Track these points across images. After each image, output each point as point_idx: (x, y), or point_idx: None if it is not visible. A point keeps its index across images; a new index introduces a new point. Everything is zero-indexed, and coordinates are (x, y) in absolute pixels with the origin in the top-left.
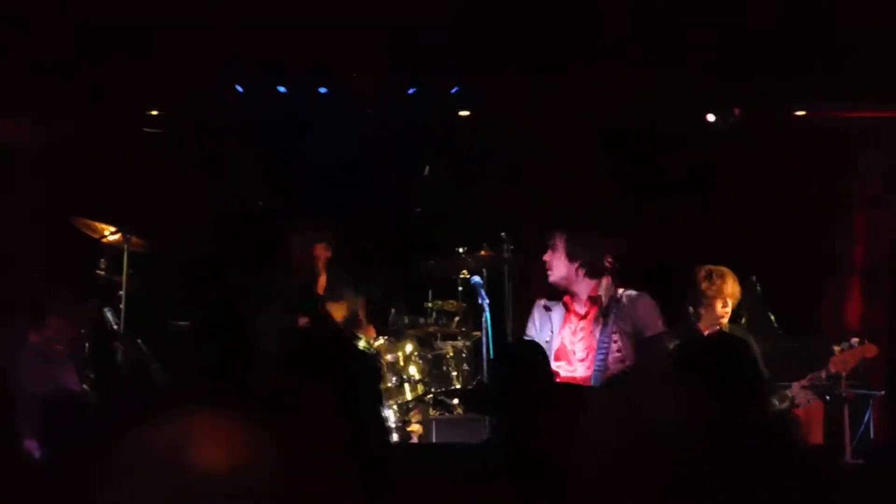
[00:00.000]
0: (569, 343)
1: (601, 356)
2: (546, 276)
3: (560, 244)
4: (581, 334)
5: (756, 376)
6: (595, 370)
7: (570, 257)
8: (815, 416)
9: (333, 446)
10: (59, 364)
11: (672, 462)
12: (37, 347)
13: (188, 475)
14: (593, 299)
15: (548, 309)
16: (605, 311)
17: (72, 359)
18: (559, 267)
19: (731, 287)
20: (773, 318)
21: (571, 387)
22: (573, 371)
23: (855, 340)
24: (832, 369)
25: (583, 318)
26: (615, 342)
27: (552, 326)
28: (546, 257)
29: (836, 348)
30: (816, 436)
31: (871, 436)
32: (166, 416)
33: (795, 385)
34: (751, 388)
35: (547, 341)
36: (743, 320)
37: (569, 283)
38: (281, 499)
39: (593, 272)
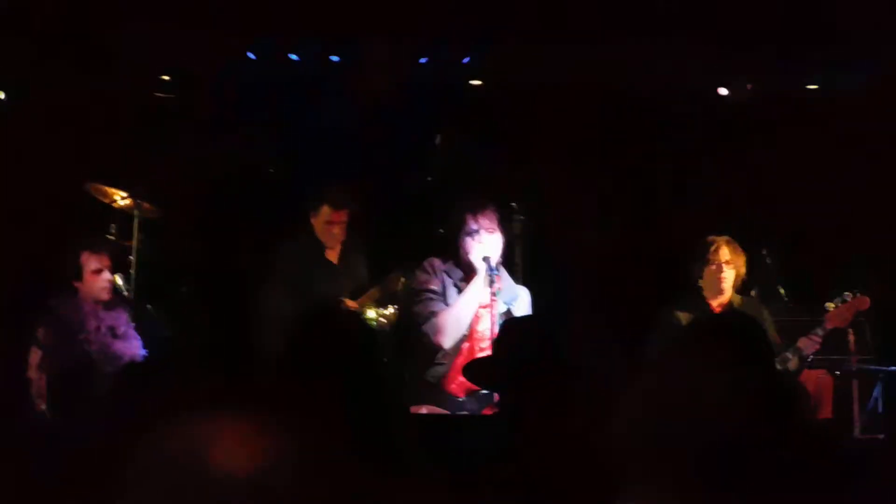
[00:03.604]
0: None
1: None
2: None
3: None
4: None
5: (764, 355)
6: None
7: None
8: (824, 391)
9: (339, 425)
10: (114, 308)
11: (683, 441)
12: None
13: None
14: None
15: (449, 275)
16: (505, 299)
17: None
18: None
19: (726, 253)
20: (782, 290)
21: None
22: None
23: (848, 294)
24: (828, 326)
25: (487, 306)
26: None
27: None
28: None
29: (830, 305)
30: (825, 411)
31: (880, 410)
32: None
33: (802, 340)
34: (758, 368)
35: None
36: (753, 293)
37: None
38: (292, 479)
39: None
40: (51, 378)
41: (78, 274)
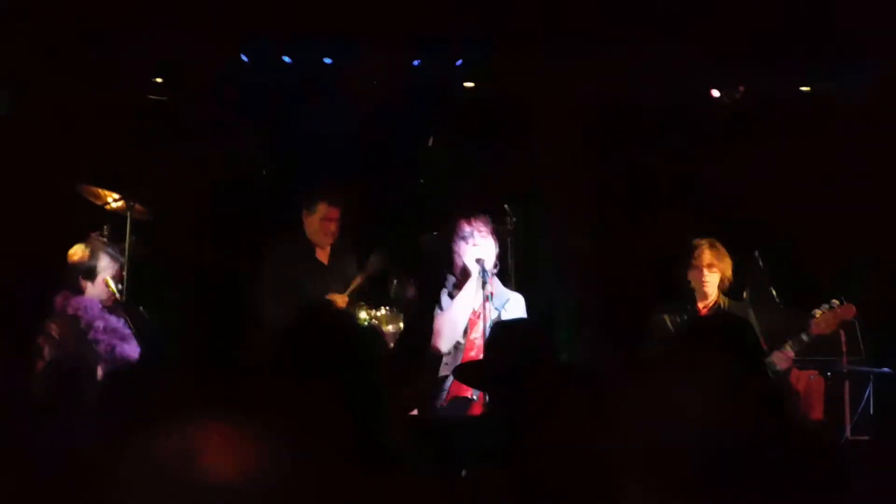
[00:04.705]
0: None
1: None
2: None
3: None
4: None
5: (750, 355)
6: None
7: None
8: (816, 393)
9: (332, 425)
10: (116, 310)
11: (672, 444)
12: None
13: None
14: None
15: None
16: (497, 304)
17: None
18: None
19: (708, 257)
20: (774, 292)
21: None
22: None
23: (835, 302)
24: (813, 332)
25: (479, 315)
26: None
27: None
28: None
29: (818, 312)
30: (817, 412)
31: (871, 412)
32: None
33: (775, 353)
34: (744, 368)
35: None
36: (745, 294)
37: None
38: (279, 480)
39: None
40: (59, 373)
41: (91, 275)
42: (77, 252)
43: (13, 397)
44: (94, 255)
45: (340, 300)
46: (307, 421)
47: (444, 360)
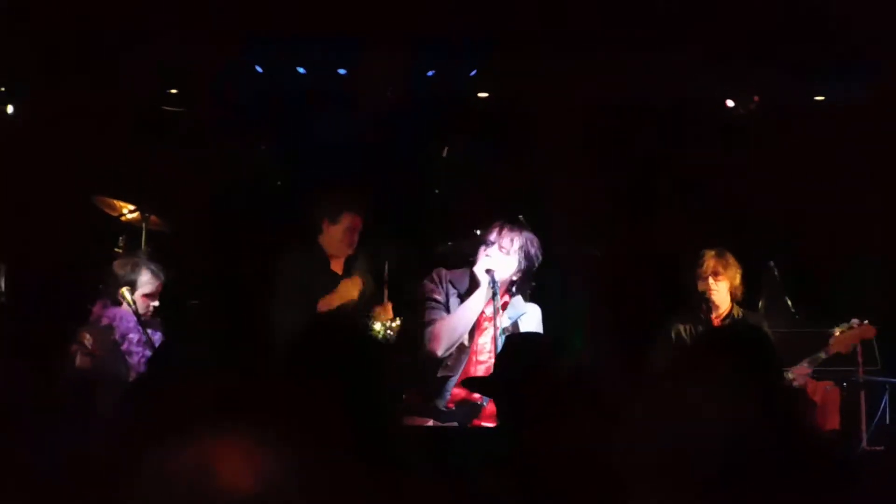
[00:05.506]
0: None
1: None
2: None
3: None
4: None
5: (766, 366)
6: None
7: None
8: (832, 403)
9: (335, 440)
10: (151, 323)
11: (684, 453)
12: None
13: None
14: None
15: (454, 286)
16: (511, 314)
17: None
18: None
19: (713, 266)
20: (790, 303)
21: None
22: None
23: (855, 321)
24: (831, 350)
25: (490, 319)
26: None
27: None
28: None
29: (837, 330)
30: (833, 423)
31: (888, 422)
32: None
33: (793, 369)
34: (760, 379)
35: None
36: (760, 305)
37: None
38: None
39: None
40: (91, 383)
41: (131, 289)
42: (120, 265)
43: (35, 403)
44: (136, 269)
45: (354, 291)
46: (319, 430)
47: (447, 361)
